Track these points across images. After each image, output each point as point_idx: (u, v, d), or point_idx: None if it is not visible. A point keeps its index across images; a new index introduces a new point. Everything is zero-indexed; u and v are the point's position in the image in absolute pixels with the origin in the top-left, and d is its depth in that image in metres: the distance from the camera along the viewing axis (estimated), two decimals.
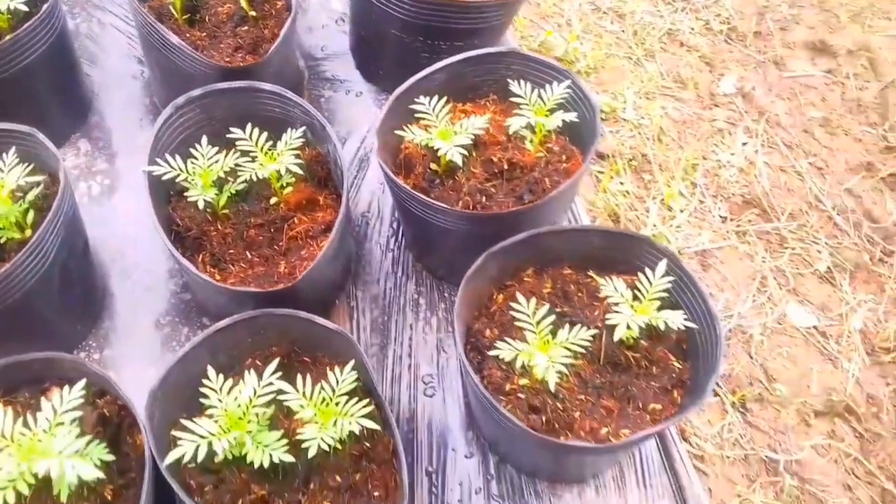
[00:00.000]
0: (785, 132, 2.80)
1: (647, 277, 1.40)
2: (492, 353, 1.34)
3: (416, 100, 1.62)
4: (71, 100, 1.98)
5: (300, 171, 1.54)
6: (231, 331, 1.37)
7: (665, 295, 1.39)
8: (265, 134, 1.55)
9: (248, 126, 1.56)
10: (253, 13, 1.85)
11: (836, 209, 2.60)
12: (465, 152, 1.55)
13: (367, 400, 1.26)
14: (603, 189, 2.57)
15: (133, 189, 1.85)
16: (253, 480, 1.25)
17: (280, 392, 1.24)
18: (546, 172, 1.58)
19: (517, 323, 1.35)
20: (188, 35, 1.82)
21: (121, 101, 2.08)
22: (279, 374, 1.25)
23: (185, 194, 1.54)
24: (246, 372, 1.26)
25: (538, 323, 1.33)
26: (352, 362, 1.29)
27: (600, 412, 1.36)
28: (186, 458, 1.16)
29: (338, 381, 1.26)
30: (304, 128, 1.59)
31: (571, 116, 1.55)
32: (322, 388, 1.25)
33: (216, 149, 1.57)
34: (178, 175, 1.52)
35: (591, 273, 1.52)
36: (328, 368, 1.30)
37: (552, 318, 1.34)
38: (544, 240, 1.49)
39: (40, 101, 1.83)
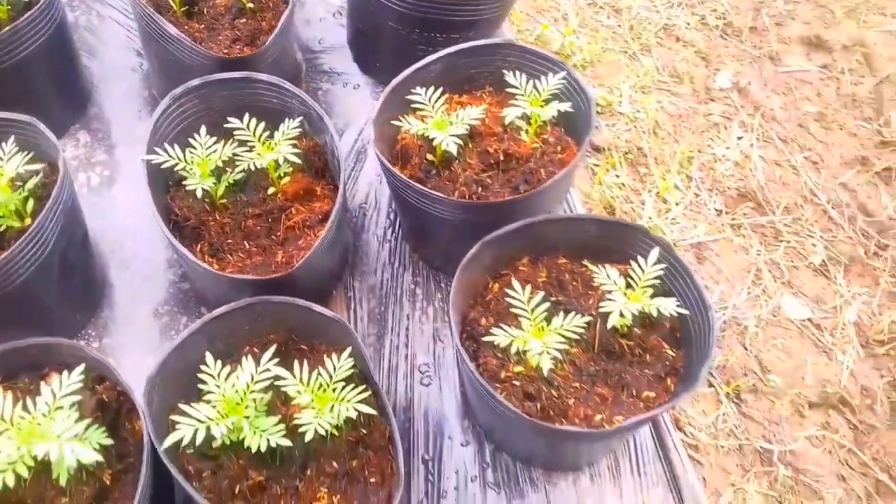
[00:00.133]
0: (780, 126, 2.81)
1: (639, 266, 1.41)
2: (487, 338, 1.36)
3: (412, 90, 1.64)
4: (70, 91, 1.99)
5: (298, 161, 1.55)
6: (228, 318, 1.39)
7: (658, 283, 1.40)
8: (263, 124, 1.56)
9: (246, 116, 1.57)
10: (251, 5, 1.86)
11: (830, 203, 2.61)
12: (461, 142, 1.56)
13: (364, 386, 1.27)
14: (599, 182, 2.58)
15: (132, 180, 1.86)
16: (250, 466, 1.26)
17: (277, 378, 1.25)
18: (542, 163, 1.59)
19: (512, 310, 1.36)
20: (186, 27, 1.83)
21: (120, 93, 2.09)
22: (276, 360, 1.26)
23: (184, 183, 1.55)
24: (244, 358, 1.27)
25: (533, 310, 1.34)
26: (349, 349, 1.30)
27: (594, 399, 1.38)
28: (185, 442, 1.17)
29: (335, 368, 1.27)
30: (301, 118, 1.60)
31: (566, 106, 1.56)
32: (319, 374, 1.27)
33: (214, 138, 1.58)
34: (177, 164, 1.53)
35: (585, 262, 1.53)
36: (325, 356, 1.31)
37: (547, 305, 1.36)
38: (539, 228, 1.50)
39: (40, 92, 1.84)
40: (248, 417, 1.21)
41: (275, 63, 1.78)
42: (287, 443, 1.22)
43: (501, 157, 1.60)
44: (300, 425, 1.20)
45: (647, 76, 2.94)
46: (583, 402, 1.37)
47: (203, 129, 1.59)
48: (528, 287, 1.37)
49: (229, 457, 1.27)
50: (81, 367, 1.21)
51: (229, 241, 1.57)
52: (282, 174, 1.59)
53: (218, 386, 1.24)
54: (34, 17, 1.68)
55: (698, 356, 1.37)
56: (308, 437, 1.20)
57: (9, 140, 1.48)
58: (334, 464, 1.29)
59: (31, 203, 1.47)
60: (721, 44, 3.10)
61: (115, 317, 1.71)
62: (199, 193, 1.52)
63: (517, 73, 1.63)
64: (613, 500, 1.54)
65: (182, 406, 1.21)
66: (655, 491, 1.57)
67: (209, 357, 1.27)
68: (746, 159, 2.70)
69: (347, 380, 1.28)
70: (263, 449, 1.20)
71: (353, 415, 1.23)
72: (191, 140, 1.57)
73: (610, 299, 1.37)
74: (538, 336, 1.31)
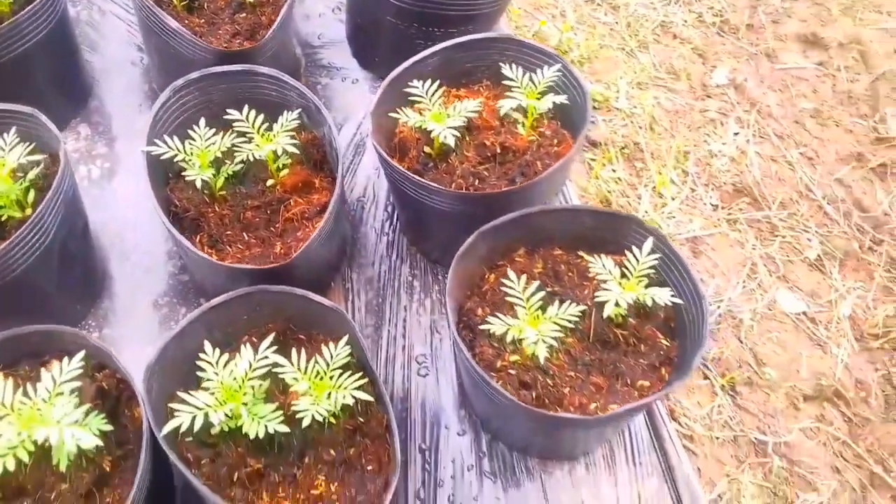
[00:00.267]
0: (776, 123, 2.83)
1: (634, 256, 1.42)
2: (483, 327, 1.37)
3: (409, 83, 1.65)
4: (71, 85, 2.00)
5: (296, 152, 1.57)
6: (227, 307, 1.40)
7: (652, 273, 1.41)
8: (262, 116, 1.58)
9: (245, 108, 1.58)
10: (250, 0, 1.88)
11: (826, 198, 2.63)
12: (458, 135, 1.57)
13: (361, 374, 1.29)
14: (595, 176, 2.60)
15: (132, 173, 1.88)
16: (249, 454, 1.27)
17: (275, 366, 1.26)
18: (538, 156, 1.61)
19: (508, 300, 1.37)
20: (187, 21, 1.84)
21: (120, 87, 2.10)
22: (275, 348, 1.28)
23: (183, 174, 1.56)
24: (242, 346, 1.28)
25: (528, 299, 1.36)
26: (346, 337, 1.32)
27: (589, 388, 1.39)
28: (183, 429, 1.18)
29: (332, 356, 1.29)
30: (299, 110, 1.61)
31: (562, 98, 1.57)
32: (316, 361, 1.28)
33: (213, 130, 1.59)
34: (177, 155, 1.54)
35: (581, 253, 1.55)
36: (323, 345, 1.32)
37: (542, 294, 1.37)
38: (535, 219, 1.52)
39: (41, 85, 1.85)
40: (246, 404, 1.22)
41: (274, 57, 1.79)
42: (285, 429, 1.23)
43: (498, 150, 1.61)
44: (297, 412, 1.21)
45: (643, 72, 2.96)
46: (578, 390, 1.38)
47: (202, 122, 1.60)
48: (524, 277, 1.39)
49: (228, 444, 1.28)
50: (81, 353, 1.22)
51: (228, 232, 1.58)
52: (280, 166, 1.60)
53: (216, 374, 1.25)
54: (35, 10, 1.70)
55: (692, 345, 1.38)
56: (305, 424, 1.21)
57: (10, 131, 1.49)
58: (332, 452, 1.29)
59: (31, 193, 1.48)
60: (718, 41, 3.12)
61: (115, 308, 1.72)
62: (198, 184, 1.53)
63: (514, 66, 1.65)
64: (608, 490, 1.56)
65: (181, 394, 1.23)
66: (650, 481, 1.58)
67: (207, 345, 1.28)
68: (742, 155, 2.72)
69: (345, 368, 1.29)
70: (261, 435, 1.21)
71: (350, 402, 1.24)
72: (190, 132, 1.59)
73: (605, 289, 1.38)
74: (533, 325, 1.32)
